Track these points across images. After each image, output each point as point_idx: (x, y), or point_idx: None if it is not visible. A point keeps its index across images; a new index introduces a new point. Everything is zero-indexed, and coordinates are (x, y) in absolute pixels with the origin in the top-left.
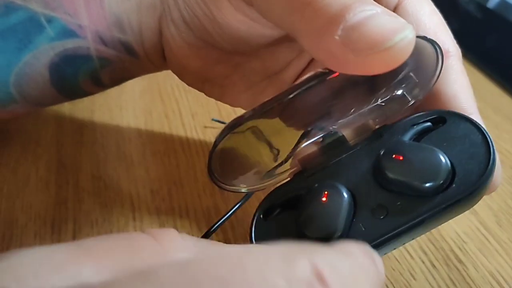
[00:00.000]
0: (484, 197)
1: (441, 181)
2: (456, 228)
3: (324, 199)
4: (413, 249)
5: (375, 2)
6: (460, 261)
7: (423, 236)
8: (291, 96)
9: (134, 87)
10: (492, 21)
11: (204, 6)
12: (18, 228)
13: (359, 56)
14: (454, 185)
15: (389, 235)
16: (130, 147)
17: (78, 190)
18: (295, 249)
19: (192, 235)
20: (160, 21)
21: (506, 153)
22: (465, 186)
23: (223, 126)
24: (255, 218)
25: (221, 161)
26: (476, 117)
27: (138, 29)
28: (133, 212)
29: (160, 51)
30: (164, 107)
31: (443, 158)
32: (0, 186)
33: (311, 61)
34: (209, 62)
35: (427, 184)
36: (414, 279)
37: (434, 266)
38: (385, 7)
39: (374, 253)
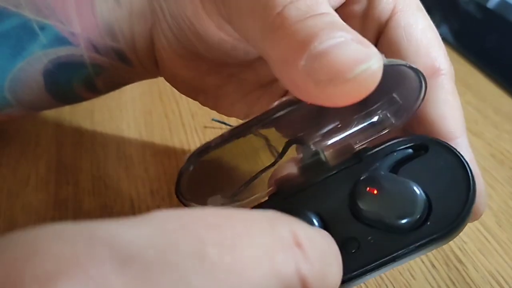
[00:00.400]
0: None
1: (415, 218)
2: None
3: None
4: None
5: (347, 27)
6: (460, 261)
7: None
8: (270, 118)
9: (133, 88)
10: (492, 21)
11: (188, 22)
12: (18, 228)
13: (320, 87)
14: (429, 223)
15: (358, 272)
16: (130, 147)
17: (78, 190)
18: (278, 216)
19: None
20: (151, 30)
21: (506, 153)
22: (440, 224)
23: (223, 126)
24: None
25: (191, 181)
26: (463, 140)
27: (131, 37)
28: (133, 212)
29: (153, 59)
30: (164, 108)
31: (419, 194)
32: (0, 186)
33: None
34: (201, 73)
35: (401, 221)
36: (414, 279)
37: (434, 266)
38: (377, 18)
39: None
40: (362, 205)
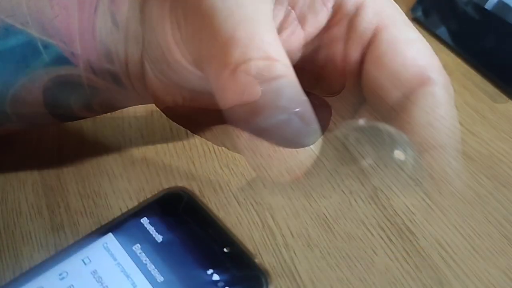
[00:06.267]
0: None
1: None
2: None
3: None
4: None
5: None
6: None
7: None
8: None
9: None
10: (490, 22)
11: (160, 50)
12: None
13: None
14: None
15: None
16: (131, 147)
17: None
18: None
19: None
20: (142, 54)
21: (504, 153)
22: None
23: None
24: None
25: None
26: (450, 150)
27: (124, 60)
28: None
29: (144, 84)
30: None
31: None
32: None
33: None
34: (183, 101)
35: None
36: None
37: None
38: (359, 38)
39: None
40: None
